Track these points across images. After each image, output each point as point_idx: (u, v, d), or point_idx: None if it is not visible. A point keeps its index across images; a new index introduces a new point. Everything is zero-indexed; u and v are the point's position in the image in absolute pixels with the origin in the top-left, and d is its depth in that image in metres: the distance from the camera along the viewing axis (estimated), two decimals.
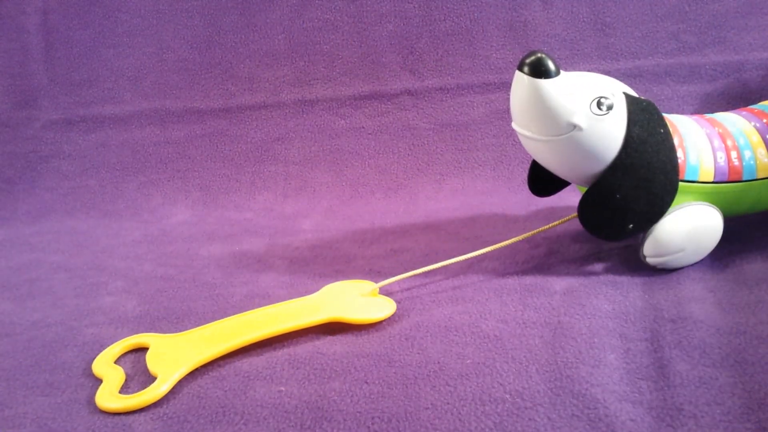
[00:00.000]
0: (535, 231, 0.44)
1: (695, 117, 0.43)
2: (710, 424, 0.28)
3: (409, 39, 0.64)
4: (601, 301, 0.38)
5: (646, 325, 0.36)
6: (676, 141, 0.40)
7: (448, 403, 0.31)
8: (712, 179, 0.40)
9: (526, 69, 0.37)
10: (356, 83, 0.65)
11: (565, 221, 0.45)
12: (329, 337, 0.37)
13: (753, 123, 0.42)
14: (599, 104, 0.37)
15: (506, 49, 0.63)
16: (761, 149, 0.41)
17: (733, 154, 0.41)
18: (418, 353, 0.35)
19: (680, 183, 0.39)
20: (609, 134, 0.38)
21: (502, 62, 0.63)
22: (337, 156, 0.64)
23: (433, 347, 0.35)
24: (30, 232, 0.61)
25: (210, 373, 0.35)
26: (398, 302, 0.40)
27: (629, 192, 0.39)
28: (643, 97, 0.40)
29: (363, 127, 0.64)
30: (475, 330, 0.37)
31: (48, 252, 0.55)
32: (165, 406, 0.32)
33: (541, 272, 0.43)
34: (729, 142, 0.41)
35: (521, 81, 0.37)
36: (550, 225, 0.45)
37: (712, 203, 0.41)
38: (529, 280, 0.42)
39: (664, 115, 0.40)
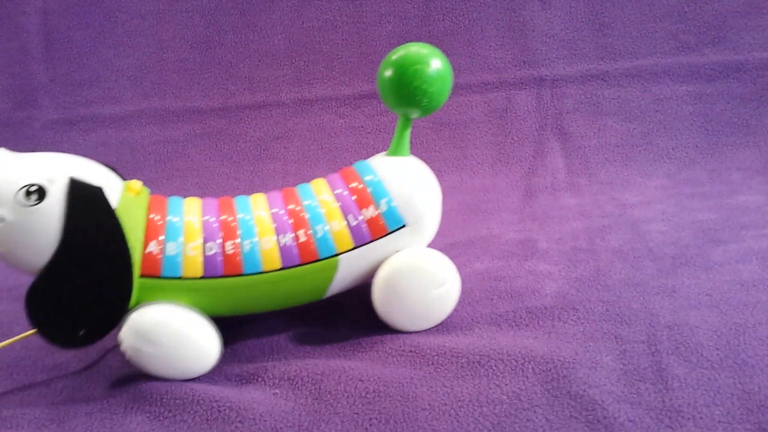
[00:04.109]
0: (15, 339, 0.38)
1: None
2: (709, 426, 0.28)
3: (408, 39, 0.64)
4: (594, 303, 0.38)
5: (642, 327, 0.36)
6: (154, 232, 0.35)
7: (445, 404, 0.31)
8: (201, 274, 0.35)
9: None
10: (356, 83, 0.65)
11: (25, 336, 0.38)
12: (324, 337, 0.37)
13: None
14: (27, 193, 0.32)
15: (505, 49, 0.63)
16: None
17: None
18: (414, 354, 0.35)
19: (155, 280, 0.34)
20: (43, 226, 0.32)
21: (500, 62, 0.63)
22: (336, 155, 0.64)
23: (429, 348, 0.35)
24: None
25: (207, 373, 0.35)
26: None
27: (74, 291, 0.33)
28: (93, 184, 0.33)
29: (362, 127, 0.64)
30: (472, 331, 0.37)
31: None
32: (162, 406, 0.32)
33: (532, 275, 0.43)
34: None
35: None
36: (12, 340, 0.38)
37: (203, 301, 0.35)
38: (521, 282, 0.42)
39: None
